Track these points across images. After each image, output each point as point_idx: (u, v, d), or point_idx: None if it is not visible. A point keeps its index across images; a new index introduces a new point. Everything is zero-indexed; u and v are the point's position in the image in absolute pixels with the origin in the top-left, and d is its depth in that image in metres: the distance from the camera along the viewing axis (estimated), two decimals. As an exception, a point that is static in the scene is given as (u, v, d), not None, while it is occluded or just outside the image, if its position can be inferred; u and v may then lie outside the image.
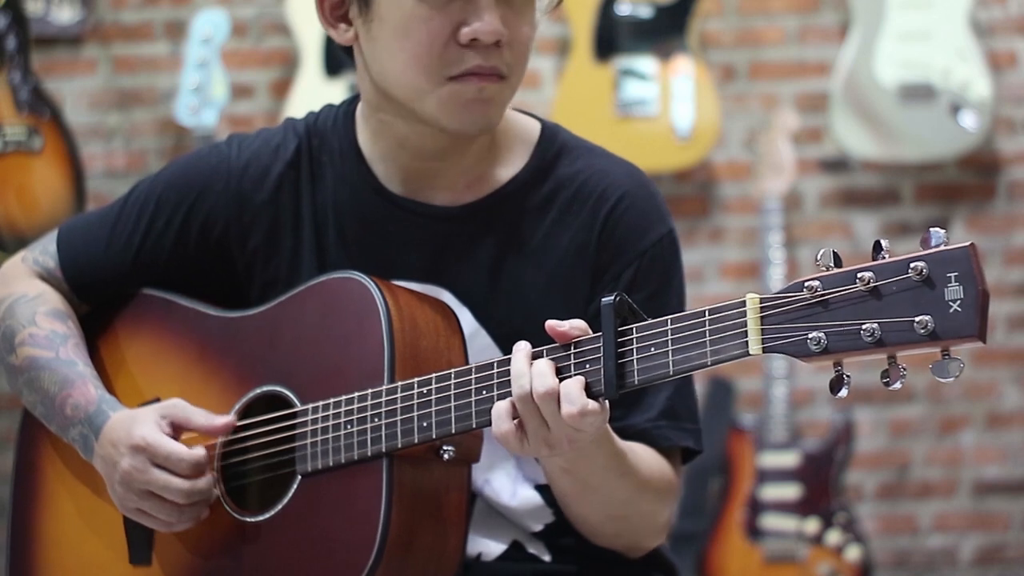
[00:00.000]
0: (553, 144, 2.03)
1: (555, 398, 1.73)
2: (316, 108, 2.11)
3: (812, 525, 4.34)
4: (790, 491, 4.36)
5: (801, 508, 4.35)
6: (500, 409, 1.77)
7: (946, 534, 4.78)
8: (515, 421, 1.76)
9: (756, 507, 4.36)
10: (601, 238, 1.98)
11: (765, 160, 4.47)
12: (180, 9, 4.71)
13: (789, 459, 4.38)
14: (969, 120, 4.55)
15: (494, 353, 1.97)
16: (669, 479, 1.98)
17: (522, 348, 1.78)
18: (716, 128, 4.56)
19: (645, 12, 4.58)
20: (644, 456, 1.95)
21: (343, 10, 1.96)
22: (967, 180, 4.77)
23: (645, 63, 4.56)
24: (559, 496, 1.96)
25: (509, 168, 2.02)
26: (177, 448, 1.93)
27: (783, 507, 4.36)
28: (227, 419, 1.97)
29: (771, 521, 4.35)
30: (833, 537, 4.33)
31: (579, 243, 1.99)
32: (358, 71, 2.00)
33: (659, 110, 4.54)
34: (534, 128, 2.05)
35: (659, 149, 4.52)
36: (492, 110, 1.93)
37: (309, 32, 4.49)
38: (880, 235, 4.74)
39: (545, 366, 1.75)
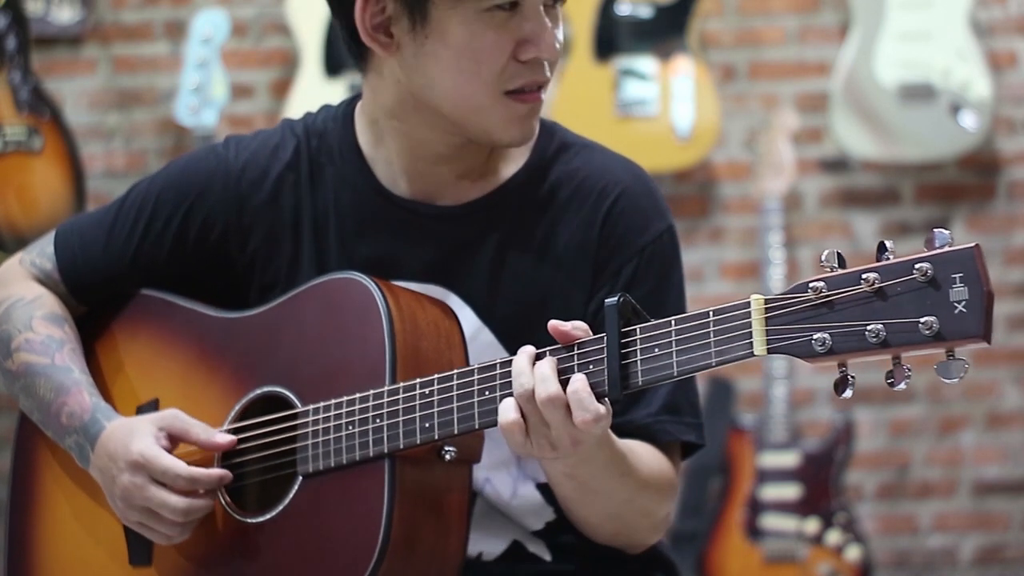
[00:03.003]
0: (551, 142, 2.03)
1: (560, 405, 1.74)
2: (314, 109, 2.10)
3: (812, 525, 4.34)
4: (790, 491, 4.36)
5: (801, 508, 4.35)
6: (506, 403, 1.78)
7: (946, 534, 4.77)
8: (520, 414, 1.77)
9: (756, 507, 4.36)
10: (602, 234, 1.99)
11: (765, 160, 4.47)
12: (180, 9, 4.71)
13: (789, 459, 4.37)
14: (969, 120, 4.55)
15: (497, 351, 1.97)
16: (668, 476, 1.98)
17: (525, 349, 1.79)
18: (716, 128, 4.56)
19: (645, 12, 4.58)
20: (644, 455, 1.95)
21: (383, 19, 1.93)
22: (967, 180, 4.76)
23: (645, 63, 4.56)
24: (561, 500, 1.96)
25: (509, 167, 2.02)
26: (174, 464, 1.92)
27: (783, 507, 4.36)
28: (228, 437, 1.96)
29: (771, 521, 4.35)
30: (833, 537, 4.33)
31: (580, 239, 1.99)
32: (381, 79, 1.97)
33: (659, 110, 4.54)
34: None
35: (659, 149, 4.52)
36: (537, 122, 1.99)
37: (309, 32, 4.49)
38: (880, 235, 4.74)
39: (548, 369, 1.75)
